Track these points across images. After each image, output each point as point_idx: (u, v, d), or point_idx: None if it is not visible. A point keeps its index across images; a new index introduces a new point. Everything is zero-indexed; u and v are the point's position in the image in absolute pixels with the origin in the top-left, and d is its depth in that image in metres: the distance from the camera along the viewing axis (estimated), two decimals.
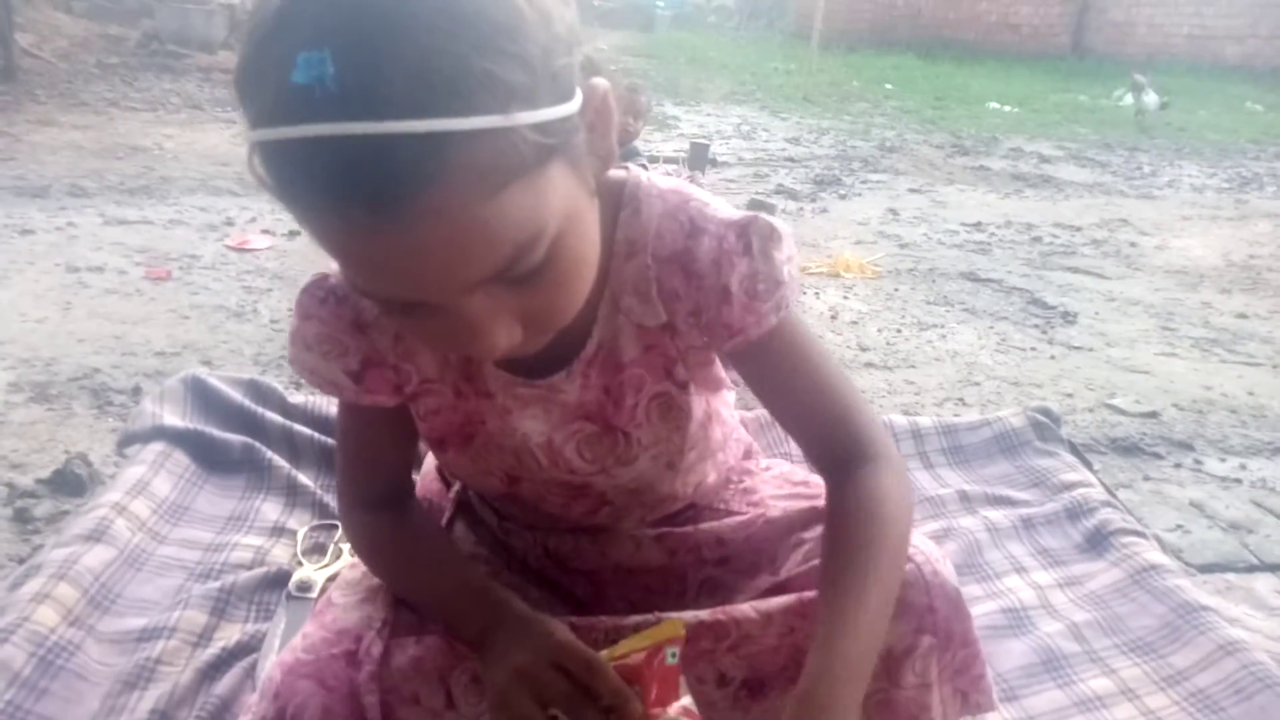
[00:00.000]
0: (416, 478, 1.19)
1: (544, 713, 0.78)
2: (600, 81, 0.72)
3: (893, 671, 0.97)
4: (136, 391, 1.65)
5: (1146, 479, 1.83)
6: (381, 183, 0.59)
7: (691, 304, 0.88)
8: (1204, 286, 3.48)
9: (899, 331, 2.74)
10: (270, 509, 1.43)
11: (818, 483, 1.11)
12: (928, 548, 1.00)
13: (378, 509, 0.98)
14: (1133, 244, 4.12)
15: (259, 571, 1.28)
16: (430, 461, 1.21)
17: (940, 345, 2.64)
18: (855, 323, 2.80)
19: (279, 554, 1.33)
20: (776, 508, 1.11)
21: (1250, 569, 1.48)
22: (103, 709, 1.05)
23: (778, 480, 1.18)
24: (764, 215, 0.87)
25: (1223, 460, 1.94)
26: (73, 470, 1.55)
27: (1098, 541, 1.39)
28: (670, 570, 1.09)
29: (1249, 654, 1.12)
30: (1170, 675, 1.13)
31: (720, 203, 0.89)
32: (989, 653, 1.09)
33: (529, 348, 0.76)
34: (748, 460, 1.19)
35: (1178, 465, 1.90)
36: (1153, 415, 2.17)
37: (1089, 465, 1.62)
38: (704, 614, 1.00)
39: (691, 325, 0.90)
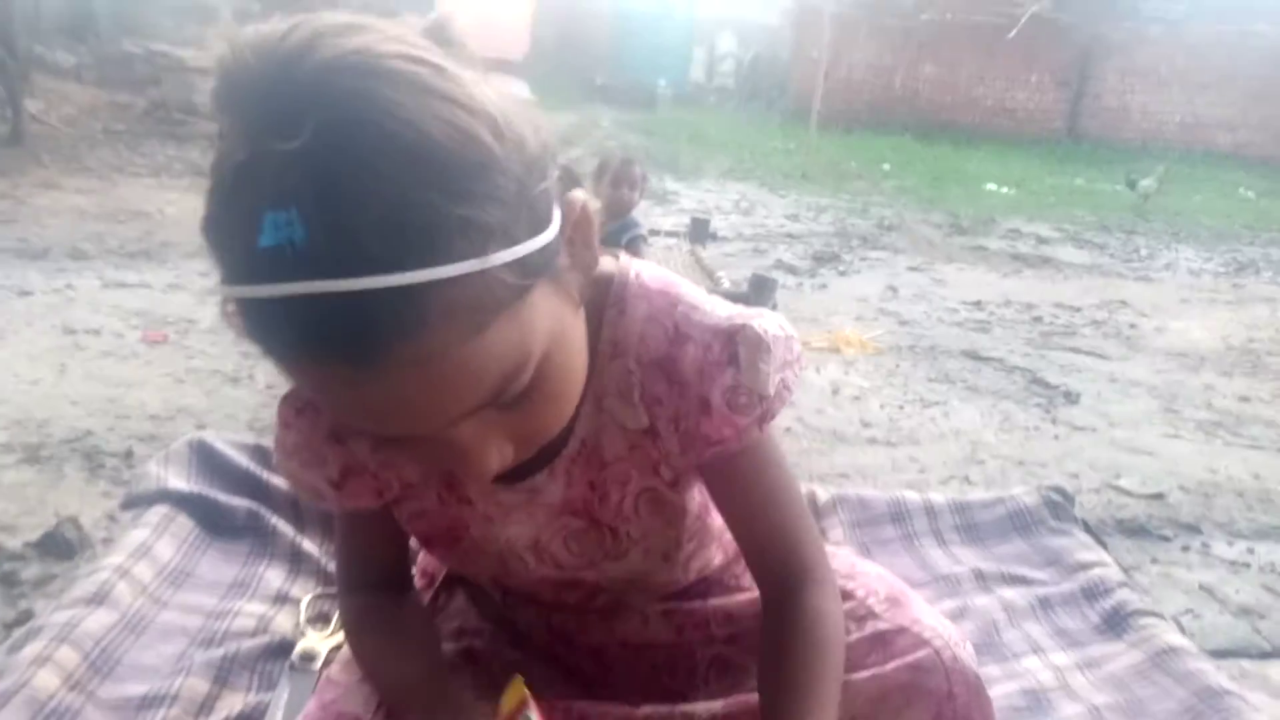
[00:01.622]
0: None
1: None
2: (578, 194, 0.71)
3: None
4: (129, 455, 1.63)
5: (1154, 561, 1.82)
6: (359, 337, 0.57)
7: (673, 410, 0.87)
8: (1205, 369, 3.50)
9: (901, 408, 2.74)
10: (274, 576, 1.41)
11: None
12: (947, 630, 0.99)
13: (370, 594, 0.97)
14: (1132, 325, 4.15)
15: (261, 640, 1.25)
16: None
17: (943, 423, 2.64)
18: (857, 398, 2.80)
19: (282, 622, 1.31)
20: None
21: (1264, 655, 1.46)
22: None
23: None
24: (754, 324, 0.85)
25: (1230, 544, 1.93)
26: (62, 534, 1.53)
27: (1116, 623, 1.37)
28: (678, 647, 1.07)
29: None
30: None
31: (712, 304, 0.87)
32: None
33: (520, 458, 0.75)
34: None
35: (1185, 548, 1.88)
36: (1159, 497, 2.17)
37: (1104, 545, 1.61)
38: (719, 705, 0.98)
39: (672, 432, 0.88)
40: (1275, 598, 1.68)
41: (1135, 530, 1.95)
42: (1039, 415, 2.81)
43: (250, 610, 1.33)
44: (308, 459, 0.91)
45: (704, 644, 1.07)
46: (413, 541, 1.00)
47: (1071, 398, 3.03)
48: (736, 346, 0.85)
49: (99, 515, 1.62)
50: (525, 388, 0.68)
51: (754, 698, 0.96)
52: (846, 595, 1.03)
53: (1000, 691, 1.16)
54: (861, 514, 1.62)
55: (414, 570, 1.18)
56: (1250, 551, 1.87)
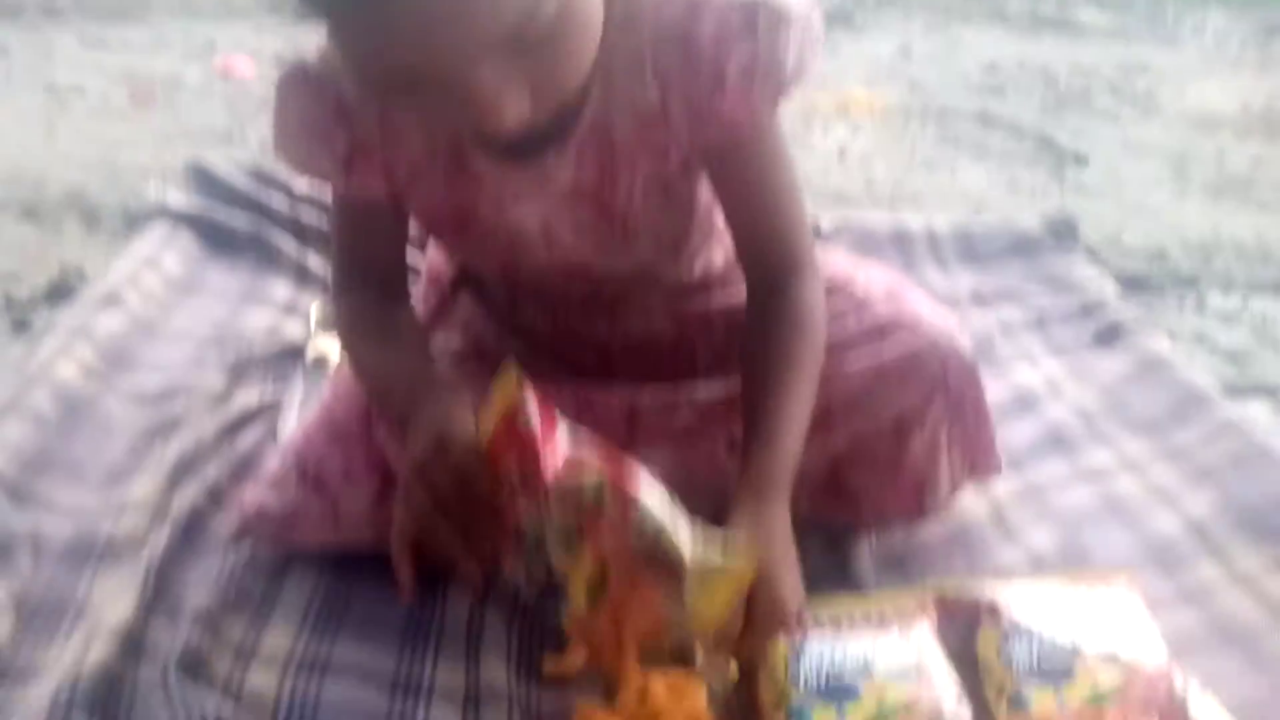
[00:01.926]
0: (421, 259, 1.18)
1: (437, 508, 0.78)
2: None
3: (903, 435, 0.99)
4: (126, 211, 1.61)
5: (1149, 311, 1.84)
6: None
7: (685, 88, 0.85)
8: (1220, 132, 3.41)
9: (908, 170, 2.70)
10: (280, 289, 1.43)
11: (829, 262, 1.11)
12: (944, 320, 1.01)
13: (365, 295, 0.97)
14: (1150, 89, 4.02)
15: (273, 343, 1.28)
16: None
17: (950, 185, 2.60)
18: (863, 161, 2.76)
19: (292, 329, 1.34)
20: None
21: (1244, 391, 1.50)
22: (129, 455, 1.07)
23: None
24: None
25: (1225, 296, 1.94)
26: (68, 282, 1.54)
27: (1109, 337, 1.40)
28: (681, 342, 1.10)
29: (1252, 432, 1.14)
30: (1173, 450, 1.16)
31: None
32: (997, 432, 1.10)
33: (536, 114, 0.74)
34: None
35: (1181, 300, 1.91)
36: (1160, 254, 2.17)
37: (1105, 268, 1.63)
38: (718, 387, 1.01)
39: (683, 111, 0.86)
40: (1262, 344, 1.71)
41: (1133, 283, 1.96)
42: (1046, 177, 2.76)
43: (260, 317, 1.35)
44: (312, 139, 0.90)
45: (705, 338, 1.09)
46: (415, 257, 1.00)
47: (1081, 160, 2.97)
48: (756, 18, 0.82)
49: (101, 266, 1.63)
50: (544, 32, 0.68)
51: None
52: (846, 288, 1.04)
53: (989, 393, 1.18)
54: (864, 239, 1.62)
55: (420, 277, 1.19)
56: (1244, 303, 1.90)
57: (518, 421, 0.75)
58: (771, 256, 0.95)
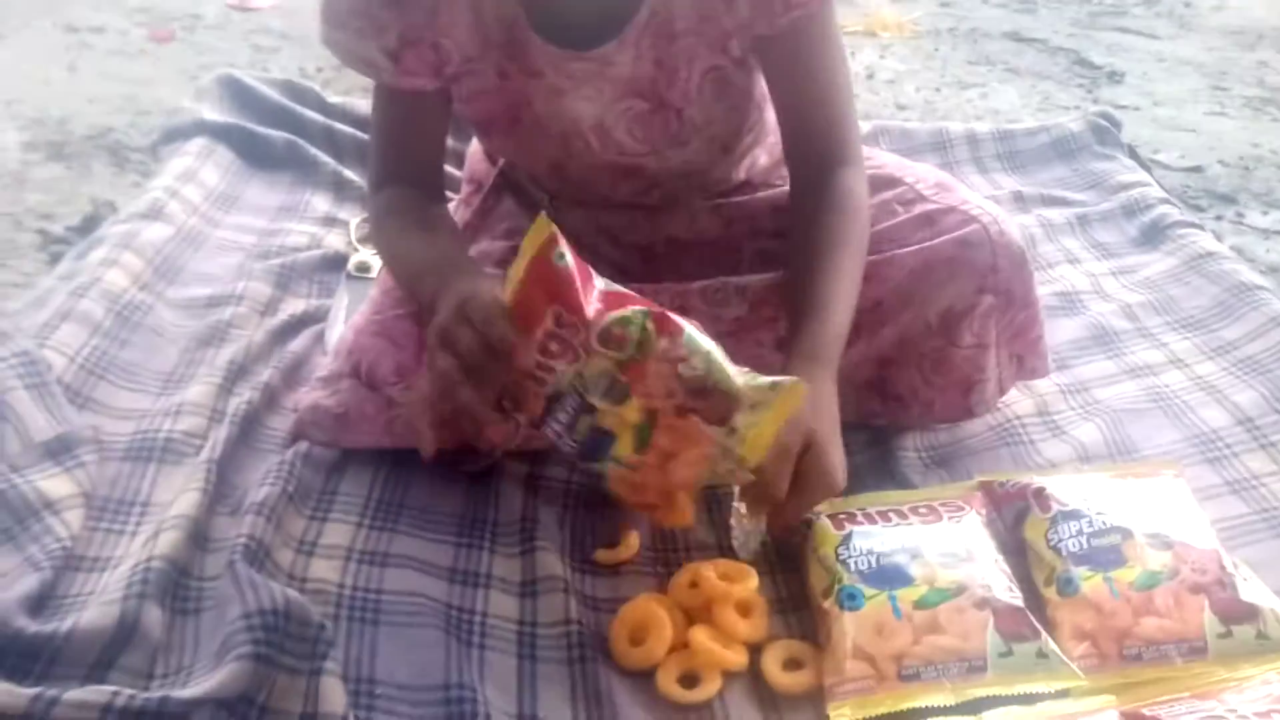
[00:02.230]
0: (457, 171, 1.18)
1: (461, 367, 0.76)
2: None
3: (950, 330, 0.99)
4: (154, 149, 1.61)
5: (1216, 238, 1.81)
6: None
7: None
8: (1261, 46, 3.30)
9: (938, 90, 2.64)
10: (320, 201, 1.43)
11: (876, 158, 1.10)
12: (994, 209, 1.00)
13: (401, 189, 0.97)
14: (1187, 3, 3.89)
15: (316, 253, 1.29)
16: (478, 141, 1.19)
17: (981, 104, 2.54)
18: (892, 82, 2.70)
19: (333, 241, 1.34)
20: None
21: None
22: (182, 361, 1.09)
23: None
24: None
25: (1265, 214, 1.91)
26: (101, 217, 1.53)
27: (1153, 235, 1.38)
28: (724, 242, 1.09)
29: None
30: (1219, 346, 1.15)
31: None
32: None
33: None
34: None
35: (1219, 217, 1.87)
36: (1197, 170, 2.12)
37: (1147, 168, 1.60)
38: (770, 276, 1.01)
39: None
40: None
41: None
42: (1080, 95, 2.70)
43: (301, 230, 1.36)
44: (363, 26, 0.89)
45: (750, 238, 1.09)
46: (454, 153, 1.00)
47: (1115, 78, 2.90)
48: None
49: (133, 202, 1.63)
50: None
51: None
52: (895, 182, 1.04)
53: None
54: (903, 143, 1.60)
55: (460, 183, 1.19)
56: None
57: (552, 259, 0.74)
58: (821, 146, 0.95)
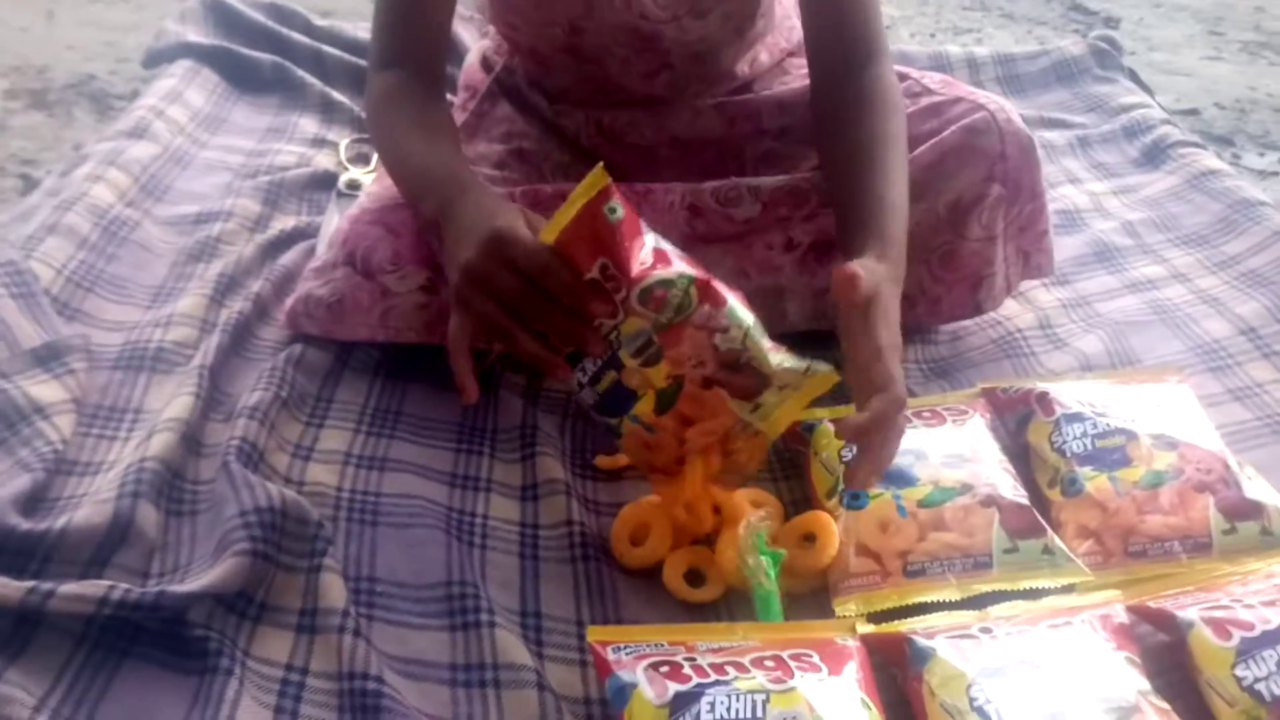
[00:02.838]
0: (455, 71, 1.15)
1: (500, 306, 0.72)
2: None
3: (959, 223, 0.98)
4: (135, 95, 1.57)
5: (1218, 158, 1.80)
6: None
7: None
8: None
9: (933, 36, 2.61)
10: (308, 123, 1.40)
11: None
12: (1000, 99, 1.00)
13: (403, 73, 0.94)
14: None
15: (305, 171, 1.26)
16: (475, 52, 1.17)
17: (976, 50, 2.53)
18: (888, 27, 2.66)
19: (323, 160, 1.32)
20: None
21: None
22: (171, 275, 1.07)
23: None
24: None
25: (1261, 155, 1.90)
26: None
27: (1155, 155, 1.36)
28: (728, 143, 1.08)
29: None
30: (1222, 261, 1.14)
31: None
32: None
33: None
34: (797, 54, 1.16)
35: (1216, 159, 1.88)
36: (1193, 113, 2.10)
37: (1149, 90, 1.58)
38: (784, 178, 0.99)
39: None
40: None
41: None
42: (1076, 41, 2.68)
43: (290, 150, 1.33)
44: None
45: (754, 139, 1.08)
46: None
47: (1111, 23, 2.87)
48: None
49: None
50: None
51: (818, 175, 0.97)
52: (902, 76, 1.03)
53: None
54: (901, 63, 1.57)
55: (457, 84, 1.16)
56: None
57: (604, 212, 0.70)
58: (851, 38, 0.93)
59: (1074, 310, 1.09)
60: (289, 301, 0.96)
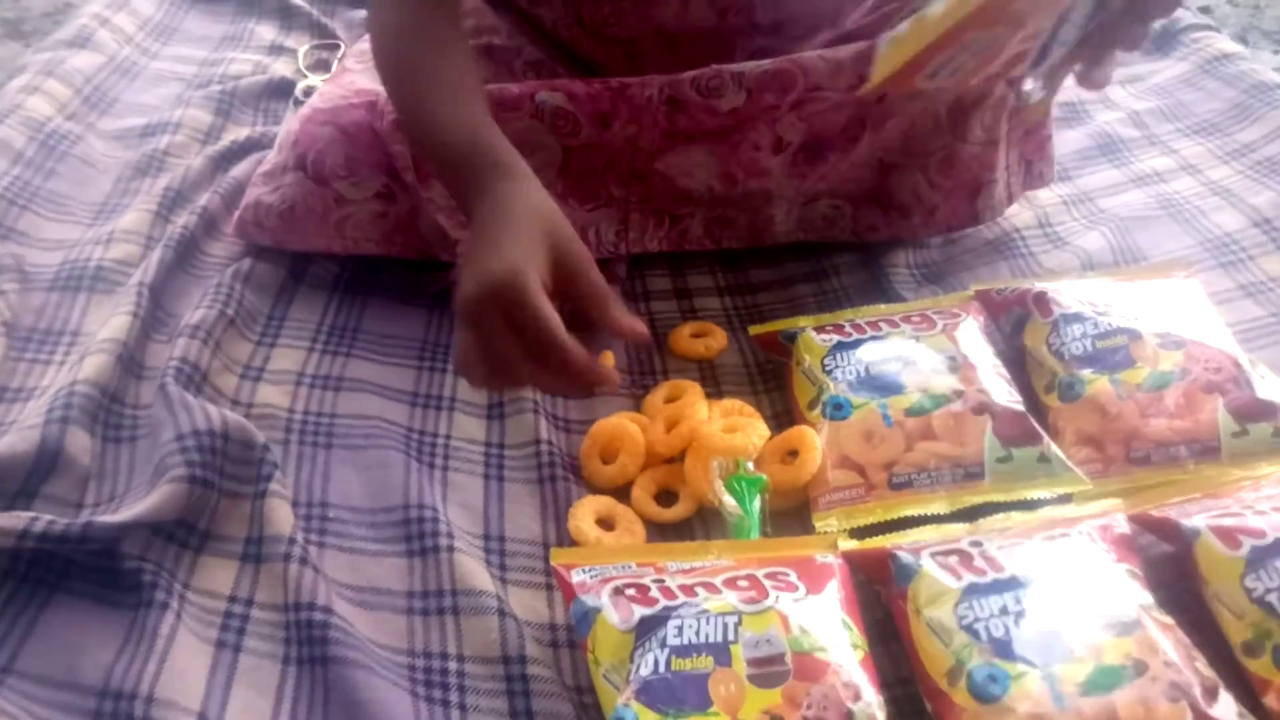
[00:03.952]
0: None
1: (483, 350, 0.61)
2: None
3: (959, 125, 0.91)
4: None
5: (1235, 40, 1.72)
6: None
7: None
8: None
9: None
10: (265, 30, 1.32)
11: None
12: None
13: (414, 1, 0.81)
14: None
15: (261, 79, 1.19)
16: None
17: None
18: None
19: (280, 69, 1.24)
20: None
21: None
22: (115, 191, 1.01)
23: None
24: None
25: (1276, 53, 1.83)
26: None
27: (1164, 41, 1.28)
28: (718, 37, 1.00)
29: None
30: (1235, 149, 1.07)
31: None
32: None
33: None
34: None
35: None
36: (1206, 10, 2.01)
37: None
38: (767, 62, 0.92)
39: None
40: None
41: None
42: None
43: (246, 58, 1.25)
44: None
45: (746, 33, 0.99)
46: None
47: None
48: None
49: None
50: None
51: (804, 56, 0.89)
52: None
53: None
54: None
55: None
56: None
57: None
58: None
59: (1076, 207, 1.02)
60: (238, 210, 0.89)
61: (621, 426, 0.75)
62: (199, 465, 0.66)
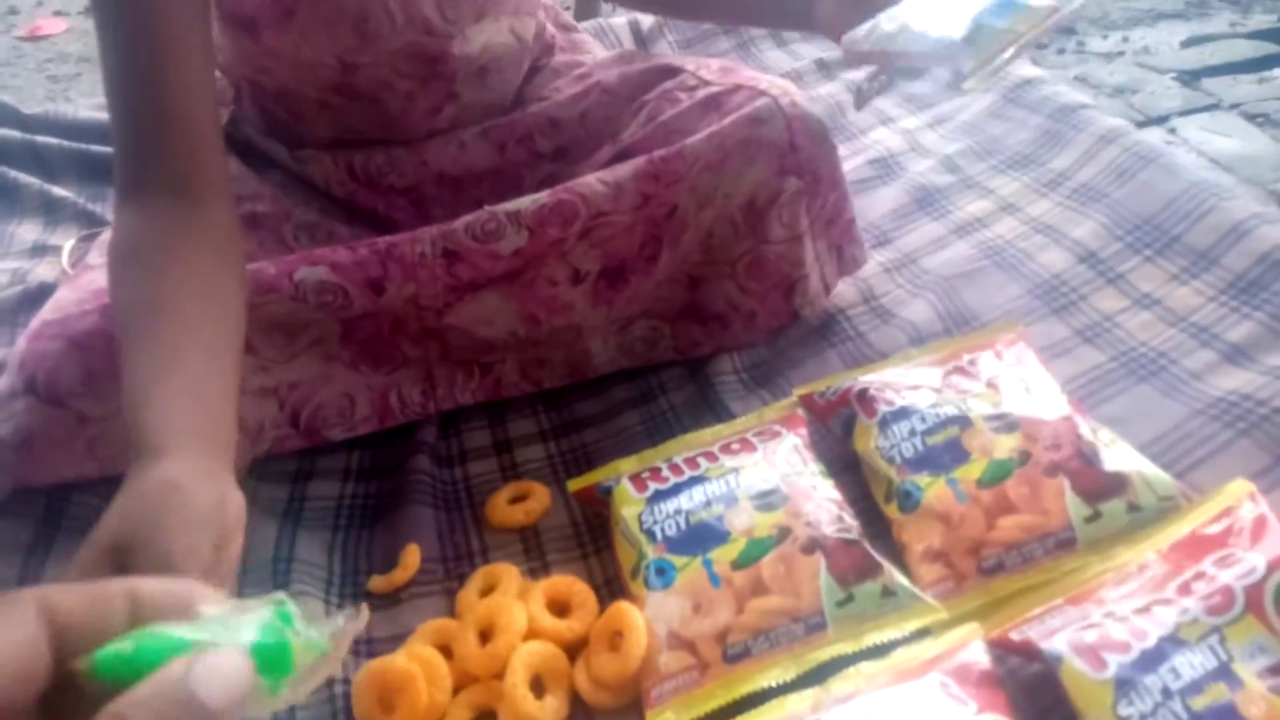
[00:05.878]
0: None
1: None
2: None
3: (758, 226, 0.86)
4: None
5: (1033, 64, 1.73)
6: None
7: None
8: None
9: None
10: (27, 231, 1.21)
11: (642, 53, 0.96)
12: (784, 83, 0.89)
13: (160, 197, 0.67)
14: None
15: (17, 290, 1.08)
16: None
17: None
18: None
19: (43, 272, 1.13)
20: (610, 75, 0.96)
21: (1140, 124, 1.40)
22: None
23: (603, 58, 1.02)
24: None
25: (1104, 38, 1.87)
26: None
27: (968, 76, 1.24)
28: (503, 172, 0.94)
29: (1128, 137, 1.01)
30: (1051, 180, 1.03)
31: None
32: (859, 207, 0.97)
33: None
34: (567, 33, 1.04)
35: (1061, 50, 1.82)
36: None
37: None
38: (544, 195, 0.84)
39: None
40: (1147, 73, 1.62)
41: None
42: None
43: (3, 269, 1.14)
44: None
45: (529, 165, 0.95)
46: None
47: None
48: None
49: None
50: None
51: (581, 182, 0.83)
52: (674, 71, 0.95)
53: (847, 167, 1.04)
54: (691, 33, 1.44)
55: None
56: (1124, 40, 1.82)
57: None
58: None
59: (899, 273, 0.96)
60: None
61: (397, 670, 0.64)
62: None
